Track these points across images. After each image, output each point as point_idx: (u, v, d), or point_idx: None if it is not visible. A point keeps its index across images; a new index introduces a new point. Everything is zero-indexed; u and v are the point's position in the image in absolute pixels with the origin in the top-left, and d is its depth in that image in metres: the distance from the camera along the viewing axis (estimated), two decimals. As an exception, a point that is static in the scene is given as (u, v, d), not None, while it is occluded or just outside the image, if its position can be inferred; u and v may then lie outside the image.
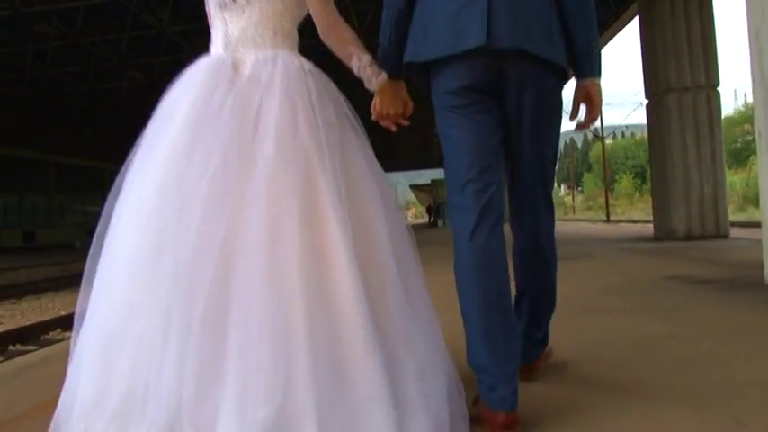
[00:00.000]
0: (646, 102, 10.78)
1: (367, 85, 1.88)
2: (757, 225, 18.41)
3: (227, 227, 1.48)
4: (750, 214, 34.57)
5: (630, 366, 2.27)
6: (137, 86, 26.02)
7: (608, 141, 46.71)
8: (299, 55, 1.80)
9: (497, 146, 1.81)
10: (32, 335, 7.39)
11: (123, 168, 1.71)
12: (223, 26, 1.82)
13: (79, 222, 37.05)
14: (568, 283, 4.87)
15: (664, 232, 10.06)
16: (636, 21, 18.99)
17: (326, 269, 1.49)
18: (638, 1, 11.06)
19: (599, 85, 1.90)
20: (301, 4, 1.84)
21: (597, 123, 38.32)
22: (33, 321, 8.38)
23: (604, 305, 3.71)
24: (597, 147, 66.19)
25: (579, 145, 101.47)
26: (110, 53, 21.42)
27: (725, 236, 9.66)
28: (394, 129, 1.97)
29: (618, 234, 13.16)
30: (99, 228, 1.71)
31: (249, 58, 1.74)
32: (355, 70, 1.84)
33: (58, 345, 3.80)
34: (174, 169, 1.58)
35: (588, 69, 1.87)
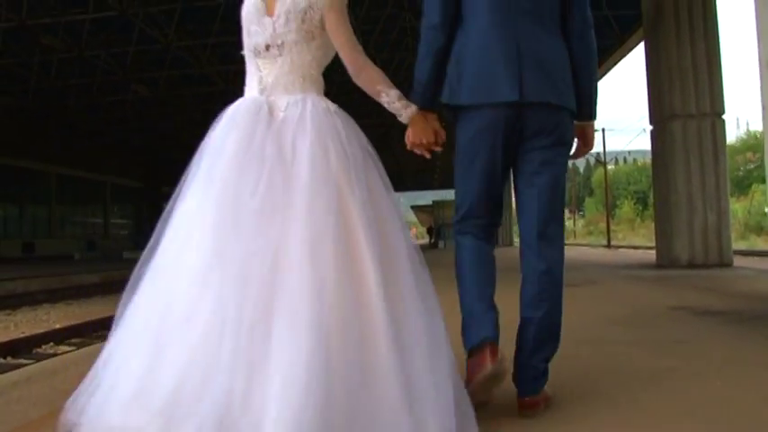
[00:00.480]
0: (650, 128, 10.74)
1: (398, 118, 2.08)
2: (759, 254, 18.37)
3: (273, 242, 1.73)
4: (752, 242, 34.53)
5: (640, 406, 2.16)
6: (141, 100, 26.08)
7: (610, 167, 46.76)
8: (324, 98, 2.03)
9: (502, 188, 2.14)
10: (24, 348, 7.27)
11: (177, 190, 1.98)
12: (257, 72, 2.06)
13: (79, 234, 37.03)
14: (572, 310, 4.75)
15: (666, 260, 9.96)
16: (640, 47, 19.10)
17: (356, 278, 1.74)
18: (644, 27, 11.06)
19: (593, 126, 2.27)
20: (328, 52, 2.07)
21: (600, 149, 38.46)
22: (27, 334, 8.25)
23: (609, 336, 3.61)
24: (599, 172, 66.24)
25: (581, 170, 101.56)
26: (115, 66, 21.46)
27: (728, 264, 9.55)
28: (428, 156, 2.12)
29: (620, 260, 13.06)
30: (151, 241, 1.94)
31: (282, 102, 1.98)
32: (386, 105, 2.05)
33: (42, 363, 3.69)
34: (228, 192, 1.83)
35: (588, 113, 2.18)
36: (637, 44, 19.35)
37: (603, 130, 37.75)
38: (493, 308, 2.04)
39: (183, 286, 1.77)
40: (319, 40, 2.04)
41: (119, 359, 1.80)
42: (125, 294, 1.88)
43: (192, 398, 1.61)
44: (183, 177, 1.98)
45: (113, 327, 1.87)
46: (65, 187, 35.59)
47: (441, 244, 30.36)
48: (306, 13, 2.00)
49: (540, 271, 2.04)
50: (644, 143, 45.23)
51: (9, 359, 6.81)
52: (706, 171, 9.66)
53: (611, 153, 41.14)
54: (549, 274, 2.05)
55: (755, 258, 19.21)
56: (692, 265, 9.45)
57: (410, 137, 2.09)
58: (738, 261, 10.31)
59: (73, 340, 7.93)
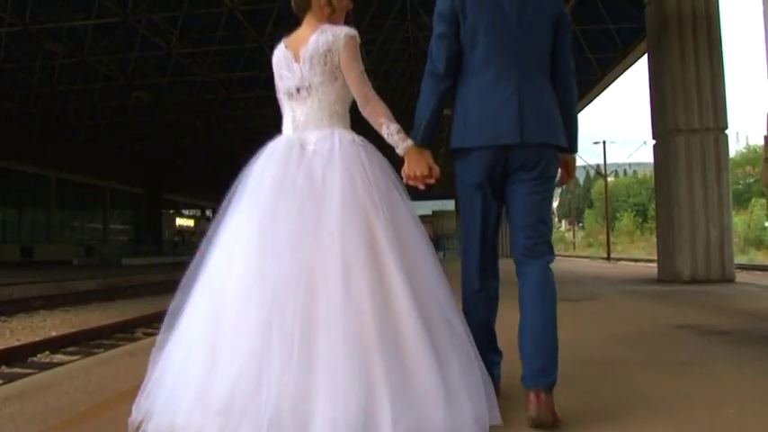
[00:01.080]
0: (650, 141, 10.71)
1: (396, 150, 2.33)
2: (761, 268, 18.28)
3: (309, 261, 1.99)
4: (752, 256, 34.48)
5: (650, 433, 2.10)
6: (142, 106, 26.06)
7: (610, 179, 46.74)
8: (350, 130, 2.32)
9: (498, 222, 2.48)
10: (19, 357, 7.18)
11: (219, 214, 2.26)
12: (291, 112, 2.37)
13: (78, 239, 36.90)
14: (575, 328, 4.70)
15: (668, 274, 9.89)
16: (641, 60, 19.12)
17: (387, 289, 1.98)
18: (648, 41, 11.03)
19: (575, 157, 2.61)
20: (350, 90, 2.34)
21: (600, 161, 38.42)
22: (22, 342, 8.17)
23: (614, 356, 3.54)
24: (599, 183, 66.25)
25: (581, 181, 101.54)
26: (117, 72, 21.45)
27: (730, 280, 9.48)
28: (422, 187, 2.35)
29: (621, 274, 12.98)
30: (197, 256, 2.23)
31: (312, 137, 2.27)
32: (385, 137, 2.29)
33: (36, 377, 3.60)
34: (268, 218, 2.10)
35: (571, 147, 2.49)
36: (638, 58, 19.39)
37: (604, 142, 37.71)
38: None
39: (233, 300, 2.04)
40: (341, 80, 2.32)
41: (177, 365, 2.06)
42: (178, 293, 2.19)
43: (246, 399, 1.86)
44: (225, 203, 2.27)
45: (165, 320, 2.19)
46: (64, 192, 35.51)
47: (440, 254, 30.25)
48: (326, 56, 2.29)
49: (537, 278, 2.32)
50: (643, 155, 45.46)
51: (4, 368, 6.74)
52: (709, 186, 9.61)
53: (611, 165, 41.10)
54: (544, 279, 2.33)
55: (757, 273, 19.14)
56: (694, 280, 9.38)
57: (406, 169, 2.33)
58: (740, 276, 10.24)
59: (69, 349, 7.85)
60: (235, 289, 2.05)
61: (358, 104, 2.33)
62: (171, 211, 51.65)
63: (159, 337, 2.22)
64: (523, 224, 2.34)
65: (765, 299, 6.93)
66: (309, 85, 2.31)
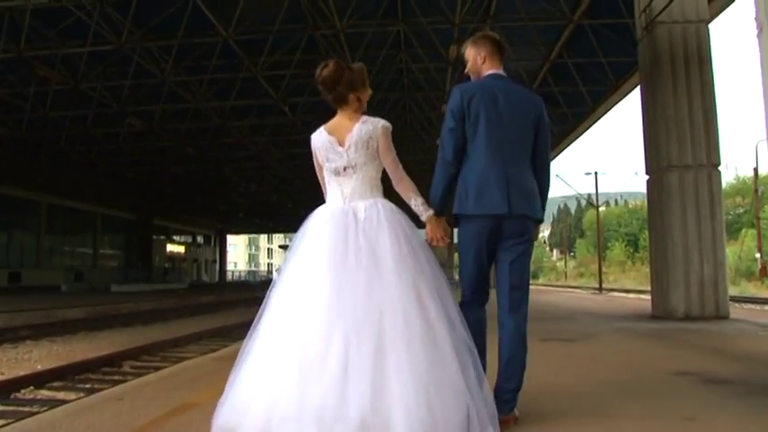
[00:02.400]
0: (644, 173, 10.73)
1: (420, 217, 3.06)
2: (753, 301, 18.28)
3: (379, 299, 2.64)
4: (743, 288, 34.52)
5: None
6: (135, 133, 26.04)
7: (601, 209, 46.91)
8: (387, 200, 2.97)
9: (489, 271, 3.17)
10: (2, 392, 6.99)
11: (283, 265, 3.01)
12: (339, 186, 2.99)
13: (67, 265, 36.54)
14: (571, 372, 4.63)
15: (662, 311, 9.83)
16: (633, 93, 19.30)
17: (428, 318, 2.67)
18: (640, 77, 11.12)
19: (540, 227, 3.35)
20: (383, 167, 3.04)
21: (592, 191, 38.61)
22: (6, 376, 7.98)
23: (613, 407, 3.46)
24: (590, 213, 66.47)
25: (572, 210, 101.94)
26: (110, 99, 21.44)
27: (725, 317, 9.41)
28: (443, 244, 3.09)
29: (614, 309, 12.90)
30: (266, 301, 2.84)
31: (361, 206, 2.90)
32: (413, 207, 3.03)
33: (14, 426, 3.46)
34: (338, 267, 2.73)
35: (541, 219, 3.23)
36: (630, 91, 19.61)
37: (596, 173, 37.94)
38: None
39: (315, 334, 2.61)
40: (378, 160, 3.00)
41: (271, 391, 2.56)
42: (261, 311, 2.81)
43: (335, 409, 2.43)
44: (286, 258, 3.00)
45: (250, 331, 2.80)
46: (54, 217, 35.29)
47: None
48: (368, 142, 2.96)
49: (511, 327, 3.07)
50: (634, 185, 45.69)
51: (-14, 405, 6.55)
52: (702, 222, 9.60)
53: (602, 195, 41.29)
54: (517, 329, 3.08)
55: (750, 306, 19.13)
56: (688, 317, 9.31)
57: (429, 232, 3.09)
58: (733, 311, 10.18)
59: (54, 384, 7.66)
60: (315, 327, 2.63)
61: (392, 181, 3.03)
62: (162, 237, 51.36)
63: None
64: (507, 290, 3.11)
65: (762, 339, 6.87)
66: (355, 165, 2.96)
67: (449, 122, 3.11)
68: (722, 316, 9.44)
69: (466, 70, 3.36)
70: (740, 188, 54.05)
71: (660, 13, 9.95)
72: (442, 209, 3.12)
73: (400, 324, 2.59)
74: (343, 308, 2.61)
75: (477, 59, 3.28)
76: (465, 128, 3.07)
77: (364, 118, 3.01)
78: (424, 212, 3.03)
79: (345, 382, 2.46)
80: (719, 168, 9.94)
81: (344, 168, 2.96)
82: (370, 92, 3.13)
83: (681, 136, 9.76)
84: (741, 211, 54.06)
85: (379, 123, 3.00)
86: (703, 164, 9.74)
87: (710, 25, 10.43)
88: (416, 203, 3.02)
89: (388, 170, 3.00)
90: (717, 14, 13.32)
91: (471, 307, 3.10)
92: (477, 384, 2.65)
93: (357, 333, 2.55)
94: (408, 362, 2.51)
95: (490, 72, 3.24)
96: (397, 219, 2.88)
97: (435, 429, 2.43)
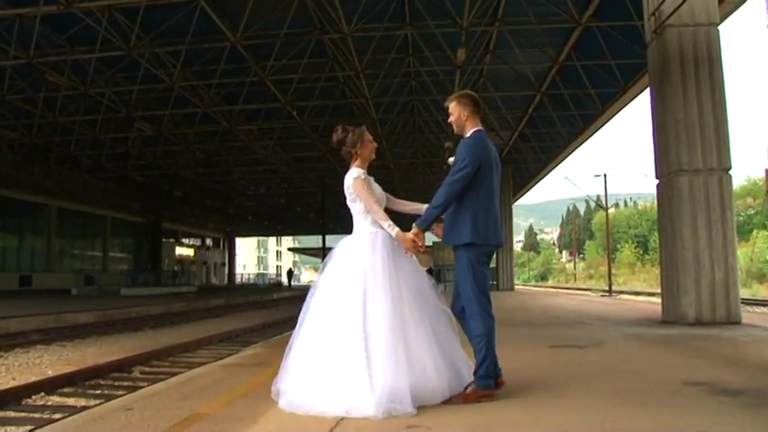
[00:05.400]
0: (653, 176, 10.64)
1: (391, 234, 4.04)
2: (764, 303, 18.07)
3: (420, 295, 3.99)
4: (754, 290, 34.24)
5: None
6: (144, 137, 26.17)
7: (610, 210, 46.65)
8: (371, 230, 4.12)
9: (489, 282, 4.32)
10: (13, 399, 7.01)
11: (321, 274, 4.14)
12: (368, 215, 4.08)
13: (77, 268, 36.69)
14: (583, 383, 4.58)
15: (672, 316, 9.76)
16: (642, 94, 19.19)
17: (434, 306, 4.04)
18: (650, 80, 11.05)
19: None
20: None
21: (601, 192, 38.42)
22: (17, 381, 8.01)
23: (627, 421, 3.43)
24: (599, 215, 66.16)
25: (582, 212, 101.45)
26: (119, 104, 21.56)
27: (736, 322, 9.31)
28: (421, 252, 4.06)
29: (624, 313, 12.81)
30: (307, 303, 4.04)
31: (379, 236, 4.04)
32: (386, 228, 4.03)
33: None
34: (393, 271, 3.93)
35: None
36: (639, 93, 19.50)
37: (605, 175, 37.67)
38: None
39: (399, 325, 3.76)
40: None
41: (381, 370, 3.62)
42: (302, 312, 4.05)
43: (424, 391, 3.72)
44: (321, 269, 4.18)
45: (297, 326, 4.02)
46: (64, 220, 35.47)
47: (441, 287, 29.23)
48: (348, 188, 4.09)
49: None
50: (644, 187, 45.22)
51: (-2, 412, 6.57)
52: (713, 227, 9.51)
53: (611, 196, 41.01)
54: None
55: (762, 309, 18.98)
56: (699, 322, 9.22)
57: (406, 243, 4.02)
58: (745, 314, 10.07)
59: (65, 390, 7.69)
60: (399, 322, 3.75)
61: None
62: (171, 240, 51.52)
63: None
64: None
65: (775, 347, 6.80)
66: (350, 203, 4.22)
67: (469, 168, 3.94)
68: (734, 321, 9.32)
69: (449, 120, 4.19)
70: (751, 189, 53.60)
71: (670, 16, 9.88)
72: (429, 226, 4.10)
73: (427, 315, 3.93)
74: (400, 305, 3.86)
75: (461, 117, 4.09)
76: (477, 173, 3.97)
77: (352, 169, 4.11)
78: (392, 231, 3.99)
79: (422, 363, 3.77)
80: (730, 172, 9.85)
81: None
82: (373, 145, 4.17)
83: (691, 140, 9.68)
84: (752, 212, 53.65)
85: (350, 175, 4.08)
86: (714, 168, 9.66)
87: (720, 27, 10.33)
88: (385, 226, 4.01)
89: (364, 204, 4.07)
90: (727, 16, 13.23)
91: (489, 309, 4.08)
92: (463, 358, 4.06)
93: (421, 324, 3.88)
94: (439, 339, 3.92)
95: (477, 129, 4.09)
96: (398, 246, 4.07)
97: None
